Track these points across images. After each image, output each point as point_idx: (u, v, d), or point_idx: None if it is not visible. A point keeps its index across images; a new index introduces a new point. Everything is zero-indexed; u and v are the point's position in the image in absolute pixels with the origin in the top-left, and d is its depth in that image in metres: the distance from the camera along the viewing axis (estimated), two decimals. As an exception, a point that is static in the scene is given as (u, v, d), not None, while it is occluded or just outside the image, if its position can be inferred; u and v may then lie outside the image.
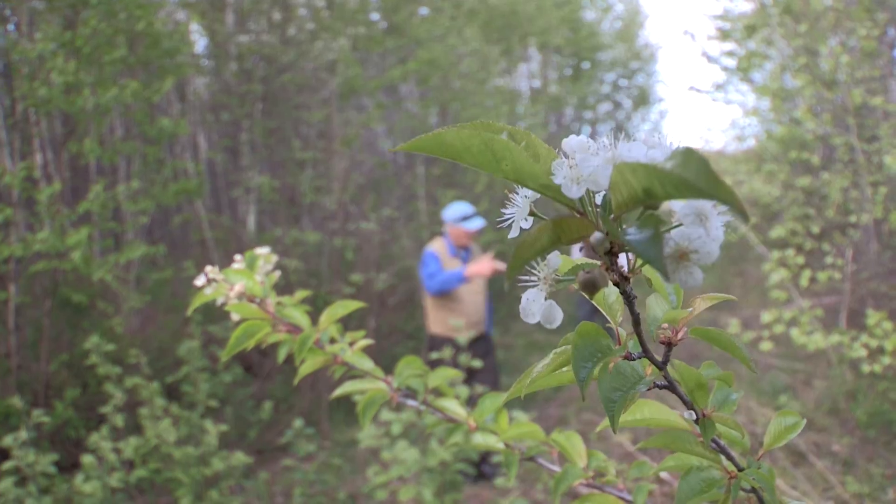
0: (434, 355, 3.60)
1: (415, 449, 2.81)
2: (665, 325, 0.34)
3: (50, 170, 7.36)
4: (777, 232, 5.21)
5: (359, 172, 7.70)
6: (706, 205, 0.25)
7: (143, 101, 5.26)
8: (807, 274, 4.67)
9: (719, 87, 7.27)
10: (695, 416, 0.37)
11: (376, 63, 11.42)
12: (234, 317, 0.58)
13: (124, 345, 5.55)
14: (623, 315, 0.34)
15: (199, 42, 9.15)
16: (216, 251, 8.76)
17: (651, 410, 0.42)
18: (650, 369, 0.33)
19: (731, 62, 7.29)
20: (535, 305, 0.29)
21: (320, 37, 7.82)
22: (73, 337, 6.04)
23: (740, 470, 0.41)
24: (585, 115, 18.03)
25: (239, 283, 0.54)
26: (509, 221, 0.30)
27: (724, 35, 7.77)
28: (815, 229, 5.33)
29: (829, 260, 4.89)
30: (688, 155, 0.23)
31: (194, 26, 7.66)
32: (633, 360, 0.32)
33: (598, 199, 0.26)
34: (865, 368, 4.18)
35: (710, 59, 7.41)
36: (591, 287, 0.27)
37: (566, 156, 0.26)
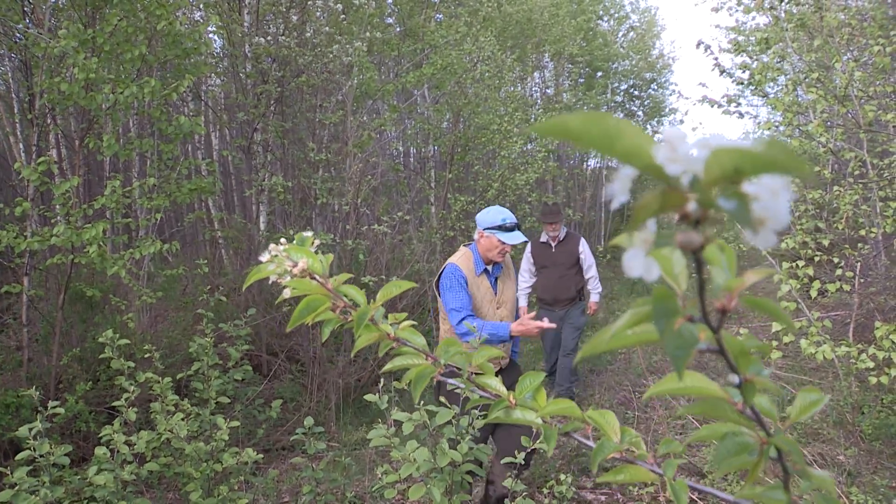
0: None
1: (425, 449, 2.84)
2: (721, 294, 0.38)
3: (64, 165, 7.45)
4: (787, 244, 5.24)
5: (371, 175, 7.75)
6: (778, 184, 0.32)
7: (161, 99, 5.32)
8: (816, 285, 4.69)
9: (732, 99, 7.30)
10: (738, 380, 0.42)
11: (391, 68, 11.49)
12: (286, 293, 0.61)
13: (135, 340, 5.62)
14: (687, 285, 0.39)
15: (215, 42, 9.25)
16: (226, 250, 8.84)
17: (693, 380, 0.46)
18: (703, 334, 0.38)
19: (745, 75, 7.31)
20: (637, 261, 0.35)
21: (336, 40, 7.89)
22: (85, 331, 6.11)
23: (770, 437, 0.45)
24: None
25: (302, 261, 0.58)
26: (612, 194, 0.35)
27: (738, 48, 7.80)
28: (826, 242, 5.35)
29: (838, 272, 4.92)
30: (773, 141, 0.30)
31: (211, 27, 7.73)
32: (694, 322, 0.36)
33: (685, 179, 0.32)
34: (872, 380, 4.20)
35: (724, 72, 7.44)
36: (689, 244, 0.33)
37: (666, 142, 0.32)
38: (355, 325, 0.62)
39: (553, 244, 6.25)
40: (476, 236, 3.73)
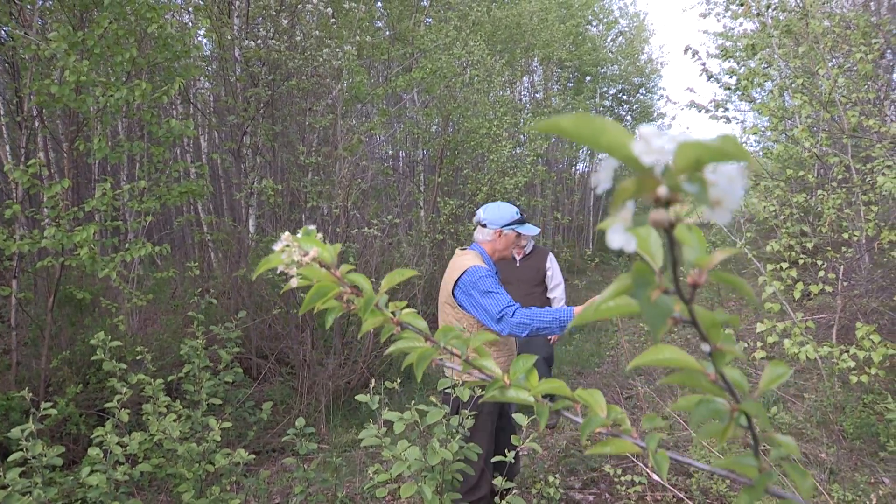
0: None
1: (416, 448, 2.87)
2: (692, 270, 0.43)
3: (51, 168, 7.44)
4: (772, 247, 5.32)
5: (361, 179, 7.79)
6: (734, 171, 0.38)
7: (151, 102, 5.34)
8: (799, 287, 4.77)
9: (719, 104, 7.39)
10: (709, 349, 0.47)
11: (380, 71, 11.54)
12: (293, 283, 0.65)
13: (126, 343, 5.62)
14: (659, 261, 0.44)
15: (205, 46, 9.28)
16: (216, 253, 8.85)
17: (671, 353, 0.51)
18: (678, 306, 0.43)
19: (732, 80, 7.42)
20: (618, 235, 0.41)
21: (326, 44, 7.93)
22: (74, 334, 6.11)
23: (739, 403, 0.50)
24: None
25: (313, 250, 0.62)
26: (597, 182, 0.41)
27: (726, 53, 7.90)
28: (810, 245, 5.43)
29: (821, 274, 5.01)
30: (726, 137, 0.36)
31: (201, 30, 7.76)
32: (669, 294, 0.42)
33: (658, 168, 0.38)
34: (853, 379, 4.28)
35: (712, 77, 7.53)
36: (660, 222, 0.39)
37: (641, 138, 0.39)
38: (362, 309, 0.66)
39: (518, 258, 5.47)
40: (488, 237, 3.43)
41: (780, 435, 0.54)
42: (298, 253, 0.61)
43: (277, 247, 0.62)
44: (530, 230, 3.45)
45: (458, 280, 3.22)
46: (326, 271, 0.63)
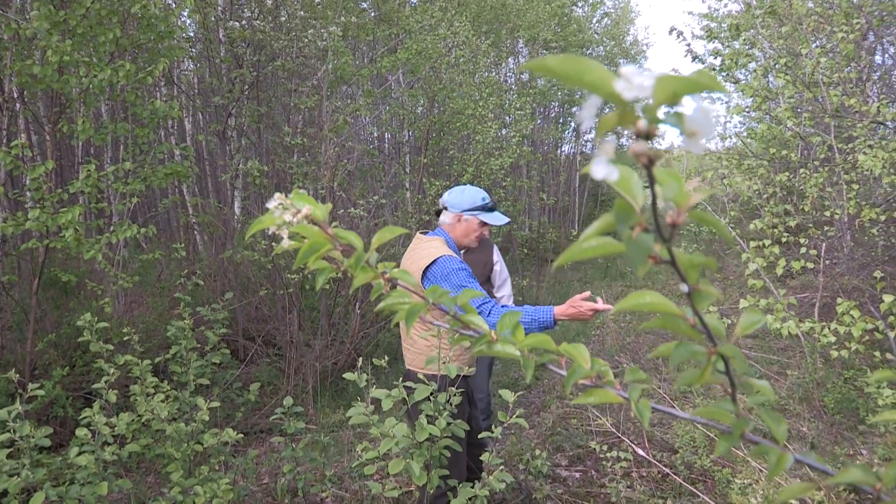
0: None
1: (404, 425, 2.89)
2: (671, 210, 0.45)
3: (34, 150, 7.37)
4: (755, 225, 5.37)
5: (347, 160, 7.77)
6: (708, 108, 0.40)
7: (135, 83, 5.29)
8: (782, 263, 4.83)
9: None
10: (687, 289, 0.49)
11: (366, 52, 11.49)
12: (285, 244, 0.66)
13: (112, 325, 5.61)
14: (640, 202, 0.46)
15: (189, 26, 9.19)
16: (201, 235, 8.82)
17: (652, 297, 0.53)
18: (658, 246, 0.45)
19: (717, 61, 7.44)
20: (600, 168, 0.43)
21: (311, 24, 7.88)
22: (60, 317, 6.08)
23: (716, 346, 0.52)
24: (573, 110, 18.22)
25: (305, 207, 0.63)
26: (581, 119, 0.43)
27: (711, 34, 7.92)
28: (793, 224, 5.49)
29: (803, 251, 5.07)
30: (701, 71, 0.39)
31: (184, 10, 7.68)
32: (648, 232, 0.44)
33: (639, 103, 0.40)
34: (834, 354, 4.36)
35: (696, 58, 7.55)
36: (641, 153, 0.41)
37: (623, 76, 0.41)
38: (353, 265, 0.67)
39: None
40: (449, 221, 3.20)
41: (756, 379, 0.56)
42: (291, 213, 0.62)
43: (271, 205, 0.63)
44: (497, 219, 3.23)
45: (426, 269, 2.97)
46: (318, 229, 0.64)
